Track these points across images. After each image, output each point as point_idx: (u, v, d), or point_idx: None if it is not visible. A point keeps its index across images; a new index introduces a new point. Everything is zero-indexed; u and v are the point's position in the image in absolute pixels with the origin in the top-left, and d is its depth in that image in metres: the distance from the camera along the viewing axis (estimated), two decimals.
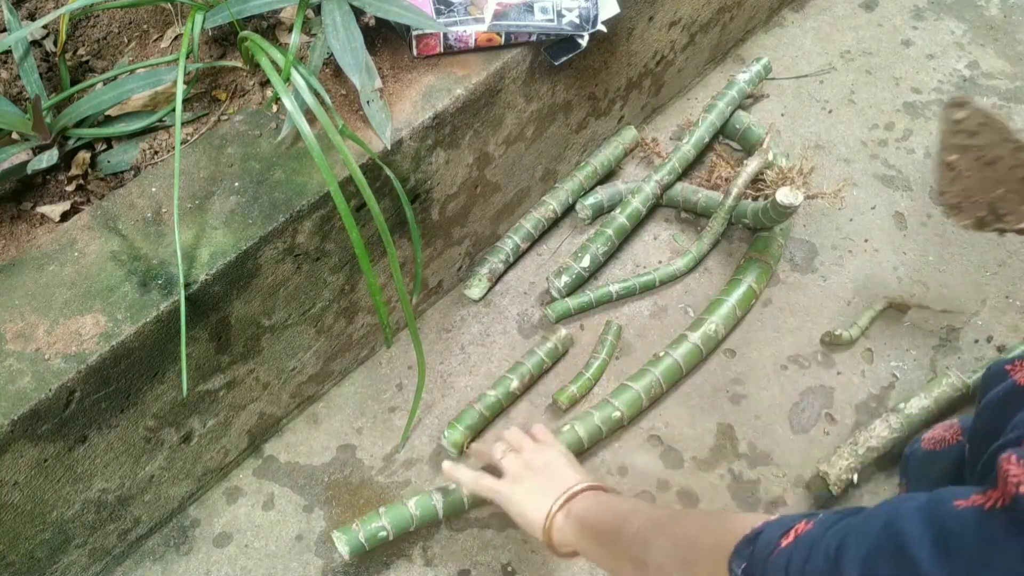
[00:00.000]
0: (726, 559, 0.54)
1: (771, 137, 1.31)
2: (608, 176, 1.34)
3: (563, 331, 1.17)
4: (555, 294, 1.22)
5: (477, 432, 1.12)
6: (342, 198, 0.77)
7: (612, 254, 1.26)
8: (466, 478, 0.90)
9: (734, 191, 1.23)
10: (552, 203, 1.26)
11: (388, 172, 0.89)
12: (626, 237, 1.27)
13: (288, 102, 0.77)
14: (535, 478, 0.83)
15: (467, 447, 1.09)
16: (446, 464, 0.94)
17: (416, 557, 1.04)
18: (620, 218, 1.24)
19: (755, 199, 1.27)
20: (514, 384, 1.12)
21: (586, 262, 1.22)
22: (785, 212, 1.15)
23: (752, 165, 1.24)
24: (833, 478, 1.03)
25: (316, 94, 0.81)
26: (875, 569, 0.43)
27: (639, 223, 1.29)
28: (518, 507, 0.82)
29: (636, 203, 1.25)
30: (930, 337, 1.20)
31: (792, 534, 0.50)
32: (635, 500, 0.74)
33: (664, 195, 1.30)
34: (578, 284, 1.23)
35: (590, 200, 1.28)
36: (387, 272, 1.09)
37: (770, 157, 1.26)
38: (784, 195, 1.12)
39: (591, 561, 0.82)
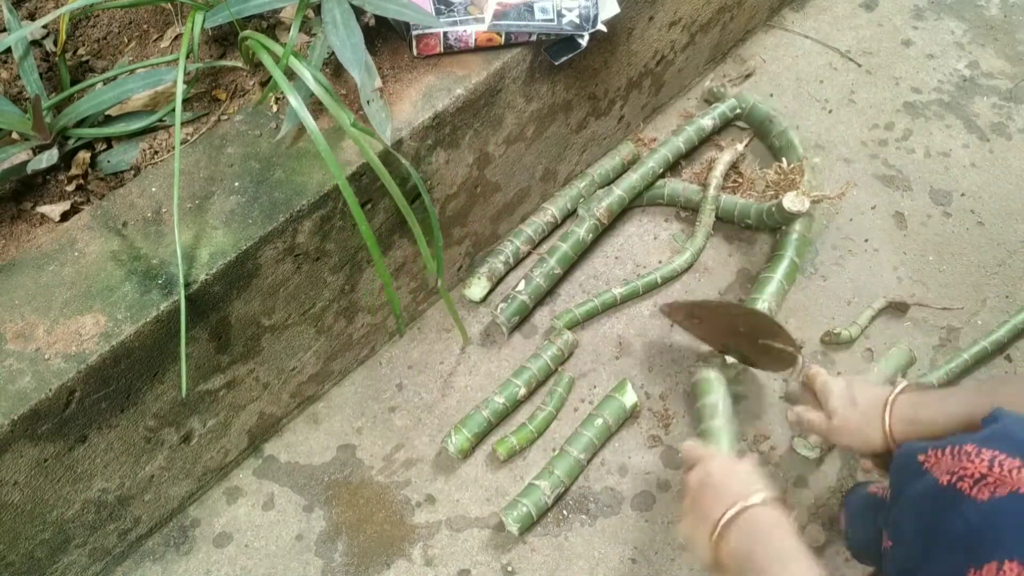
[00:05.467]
0: None
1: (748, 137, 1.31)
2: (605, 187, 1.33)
3: (567, 335, 1.17)
4: (503, 329, 1.19)
5: (482, 438, 1.12)
6: (349, 190, 0.77)
7: (557, 281, 1.23)
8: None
9: (713, 182, 1.27)
10: (552, 208, 1.27)
11: (404, 162, 0.88)
12: (573, 264, 1.24)
13: (292, 97, 0.77)
14: (698, 500, 0.76)
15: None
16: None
17: (416, 557, 1.04)
18: (563, 247, 1.22)
19: (733, 192, 1.30)
20: (521, 392, 1.12)
21: (521, 286, 1.19)
22: (790, 217, 1.16)
23: (726, 156, 1.30)
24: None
25: (322, 86, 0.81)
26: None
27: (637, 221, 1.29)
28: (687, 540, 0.76)
29: (565, 248, 1.21)
30: (930, 336, 1.20)
31: None
32: (788, 548, 0.67)
33: (665, 194, 1.30)
34: (522, 312, 1.19)
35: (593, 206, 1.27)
36: (389, 270, 1.09)
37: (740, 148, 1.32)
38: (791, 201, 1.13)
39: None
